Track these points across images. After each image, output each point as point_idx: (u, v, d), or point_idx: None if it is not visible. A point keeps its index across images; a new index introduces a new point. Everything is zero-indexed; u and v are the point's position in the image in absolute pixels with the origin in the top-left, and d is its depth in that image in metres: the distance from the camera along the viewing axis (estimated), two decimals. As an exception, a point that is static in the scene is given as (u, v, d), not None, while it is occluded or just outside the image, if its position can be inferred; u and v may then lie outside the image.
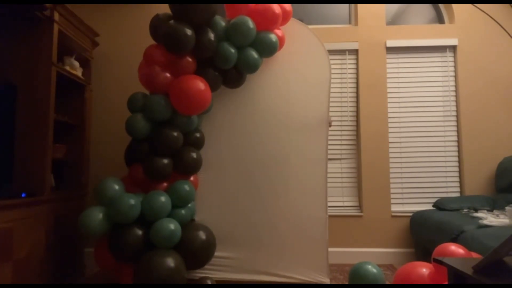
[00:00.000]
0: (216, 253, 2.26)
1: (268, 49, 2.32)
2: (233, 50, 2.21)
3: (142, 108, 2.13)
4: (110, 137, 2.98)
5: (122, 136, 2.92)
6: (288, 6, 2.44)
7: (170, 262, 1.86)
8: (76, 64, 2.62)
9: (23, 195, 1.97)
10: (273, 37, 2.31)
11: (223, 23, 2.22)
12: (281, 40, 2.39)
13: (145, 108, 2.11)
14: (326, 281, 2.31)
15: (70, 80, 2.53)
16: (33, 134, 2.13)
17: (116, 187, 2.00)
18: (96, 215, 1.89)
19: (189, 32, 2.01)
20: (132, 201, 1.89)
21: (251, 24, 2.20)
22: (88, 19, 2.75)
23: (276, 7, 2.31)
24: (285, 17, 2.42)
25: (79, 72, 2.66)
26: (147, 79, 2.12)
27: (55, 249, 2.21)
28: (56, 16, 2.24)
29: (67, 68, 2.50)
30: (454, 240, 2.08)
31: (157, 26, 2.15)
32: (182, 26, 2.00)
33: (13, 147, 2.05)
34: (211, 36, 2.12)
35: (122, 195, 1.94)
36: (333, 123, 3.09)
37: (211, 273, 2.31)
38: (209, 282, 2.13)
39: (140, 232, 1.93)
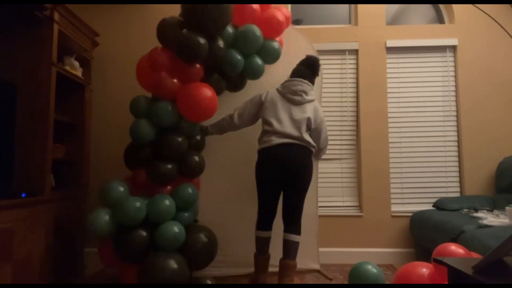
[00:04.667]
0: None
1: (272, 56, 2.38)
2: (239, 57, 2.24)
3: (147, 113, 2.08)
4: (110, 137, 2.98)
5: (122, 136, 2.92)
6: (287, 13, 2.48)
7: (173, 264, 1.90)
8: (76, 64, 2.62)
9: (23, 195, 1.97)
10: (276, 44, 2.37)
11: (230, 31, 2.22)
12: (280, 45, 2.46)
13: (150, 114, 2.07)
14: (317, 267, 2.62)
15: (70, 80, 2.52)
16: (33, 134, 2.13)
17: (121, 189, 2.01)
18: (103, 217, 1.91)
19: (202, 41, 1.97)
20: (138, 204, 1.91)
21: (258, 32, 2.23)
22: (88, 19, 2.74)
23: (280, 15, 2.34)
24: (286, 24, 2.48)
25: (79, 72, 2.66)
26: (153, 83, 2.06)
27: (55, 249, 2.21)
28: (56, 16, 2.23)
29: (67, 68, 2.50)
30: (454, 240, 2.08)
31: (165, 31, 2.06)
32: (196, 35, 1.95)
33: (13, 147, 2.04)
34: (221, 44, 2.10)
35: (128, 198, 1.95)
36: (333, 123, 3.11)
37: (210, 269, 2.33)
38: (209, 282, 2.13)
39: (144, 234, 1.95)
